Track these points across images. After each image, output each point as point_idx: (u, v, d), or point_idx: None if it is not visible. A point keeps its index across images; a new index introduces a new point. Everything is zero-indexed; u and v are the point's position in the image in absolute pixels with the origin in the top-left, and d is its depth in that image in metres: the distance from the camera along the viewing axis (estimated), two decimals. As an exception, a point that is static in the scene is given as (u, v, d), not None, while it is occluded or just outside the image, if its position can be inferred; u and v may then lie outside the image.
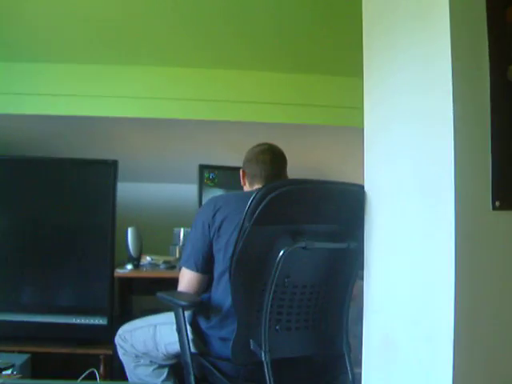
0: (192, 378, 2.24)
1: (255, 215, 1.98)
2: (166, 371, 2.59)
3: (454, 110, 1.52)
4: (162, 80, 3.63)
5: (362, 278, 2.08)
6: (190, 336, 2.32)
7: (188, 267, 2.41)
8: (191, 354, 2.27)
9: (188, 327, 2.31)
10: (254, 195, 2.00)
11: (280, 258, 2.01)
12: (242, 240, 2.03)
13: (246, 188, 2.60)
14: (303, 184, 2.13)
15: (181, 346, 2.30)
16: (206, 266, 2.38)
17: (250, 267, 2.10)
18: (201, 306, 2.36)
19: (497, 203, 1.52)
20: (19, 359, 3.07)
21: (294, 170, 3.85)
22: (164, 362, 2.58)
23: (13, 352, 3.18)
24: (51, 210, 3.50)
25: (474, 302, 1.50)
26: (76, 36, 3.32)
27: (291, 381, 2.23)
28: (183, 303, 2.30)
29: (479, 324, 1.51)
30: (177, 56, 3.52)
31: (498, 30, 1.57)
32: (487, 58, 1.55)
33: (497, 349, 1.53)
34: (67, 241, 3.47)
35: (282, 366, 2.11)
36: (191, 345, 2.29)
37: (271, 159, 2.55)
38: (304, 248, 2.03)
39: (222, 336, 2.27)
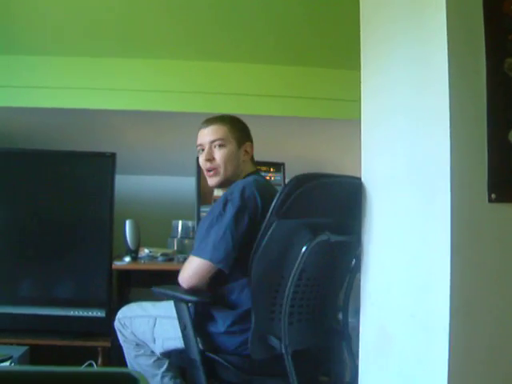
0: (202, 374, 2.18)
1: (283, 209, 1.99)
2: (166, 362, 2.54)
3: (450, 102, 1.52)
4: (159, 73, 3.63)
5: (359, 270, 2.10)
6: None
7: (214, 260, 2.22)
8: (199, 350, 2.20)
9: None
10: (282, 189, 2.00)
11: (304, 252, 2.00)
12: (267, 234, 2.02)
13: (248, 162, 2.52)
14: (331, 178, 2.16)
15: (186, 343, 2.24)
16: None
17: (270, 262, 2.09)
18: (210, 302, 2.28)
19: (493, 195, 1.52)
20: (17, 351, 3.07)
21: (292, 163, 3.88)
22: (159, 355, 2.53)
23: (11, 344, 3.18)
24: (49, 202, 3.50)
25: (470, 294, 1.51)
26: (73, 29, 3.31)
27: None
28: (192, 298, 2.24)
29: (474, 315, 1.51)
30: (173, 49, 3.52)
31: (494, 22, 1.57)
32: (483, 50, 1.56)
33: (492, 339, 1.54)
34: (65, 233, 3.48)
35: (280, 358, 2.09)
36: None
37: None
38: (326, 241, 2.04)
39: (230, 330, 2.23)
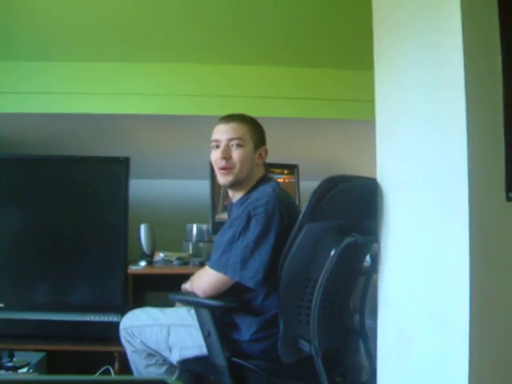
0: (229, 379, 2.16)
1: (315, 211, 2.00)
2: (177, 370, 2.48)
3: (466, 103, 1.51)
4: (171, 76, 3.63)
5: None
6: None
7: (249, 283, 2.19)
8: (225, 356, 2.17)
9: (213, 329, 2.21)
10: (314, 190, 2.00)
11: (334, 254, 2.00)
12: (298, 238, 2.02)
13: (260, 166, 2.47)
14: (357, 180, 2.17)
15: (211, 349, 2.21)
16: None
17: (299, 265, 2.08)
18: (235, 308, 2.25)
19: (510, 194, 1.51)
20: (35, 357, 3.08)
21: (305, 165, 3.87)
22: (175, 364, 2.45)
23: (28, 350, 3.19)
24: (64, 208, 3.50)
25: (489, 293, 1.49)
26: (86, 34, 3.33)
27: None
28: (218, 303, 2.22)
29: (494, 315, 1.50)
30: (185, 52, 3.52)
31: (510, 22, 1.56)
32: (499, 51, 1.55)
33: (513, 340, 1.53)
34: (80, 239, 3.48)
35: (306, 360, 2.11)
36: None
37: None
38: (354, 242, 2.04)
39: (255, 338, 2.21)
